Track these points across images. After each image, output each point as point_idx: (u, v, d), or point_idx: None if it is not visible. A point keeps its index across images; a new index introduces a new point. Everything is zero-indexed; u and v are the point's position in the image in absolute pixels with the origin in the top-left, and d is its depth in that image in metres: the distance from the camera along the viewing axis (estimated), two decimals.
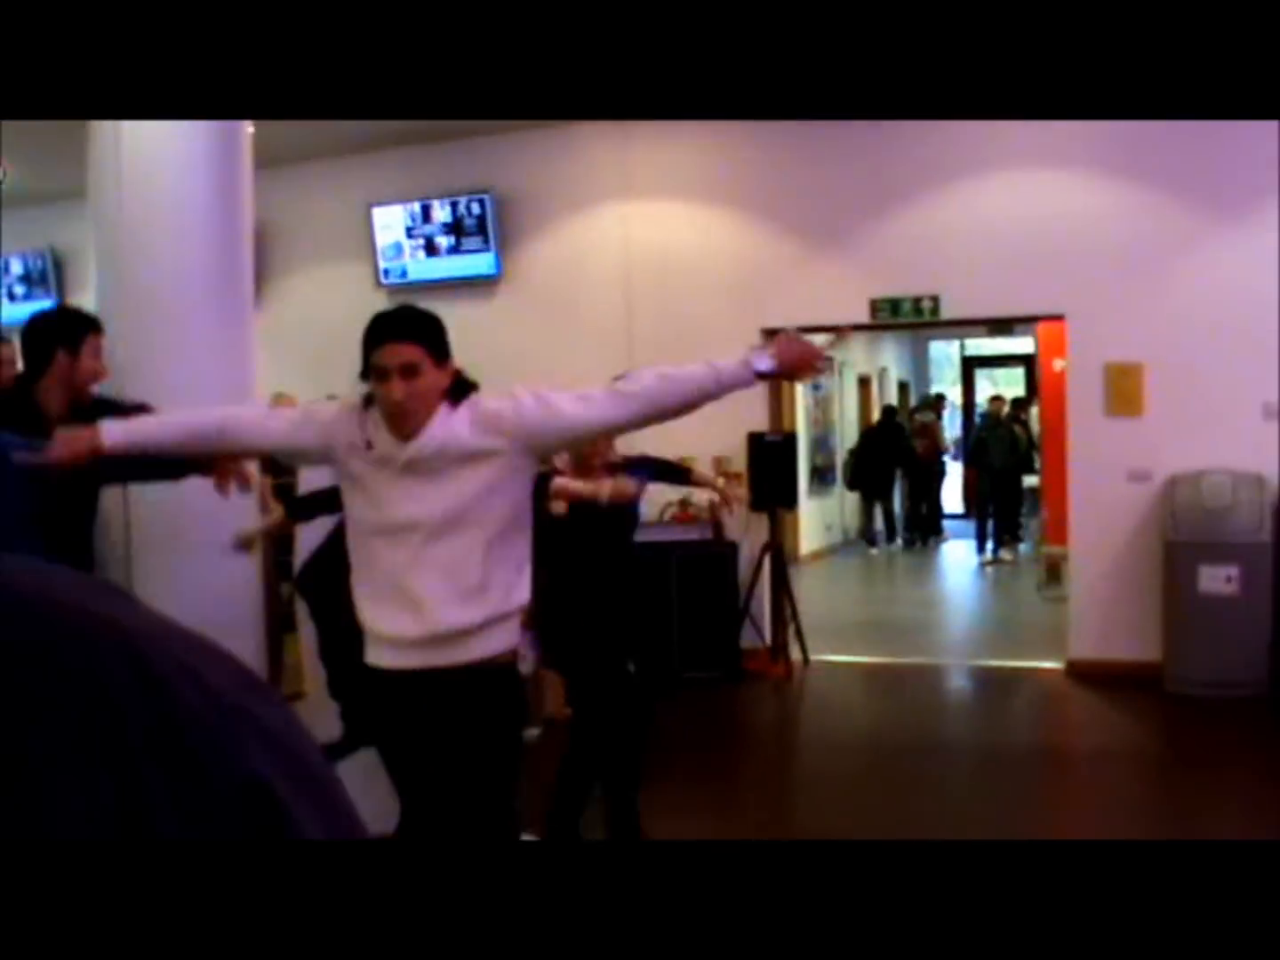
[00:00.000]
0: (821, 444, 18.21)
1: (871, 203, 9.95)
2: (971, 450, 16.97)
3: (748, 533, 10.27)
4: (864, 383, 20.55)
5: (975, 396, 22.60)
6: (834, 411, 18.82)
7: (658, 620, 9.28)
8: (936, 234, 9.74)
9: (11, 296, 14.12)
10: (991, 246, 9.53)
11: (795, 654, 10.31)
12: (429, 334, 3.78)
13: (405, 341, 3.72)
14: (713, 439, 10.21)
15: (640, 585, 6.18)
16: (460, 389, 3.82)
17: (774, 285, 10.27)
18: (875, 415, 20.19)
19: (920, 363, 24.10)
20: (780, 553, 10.28)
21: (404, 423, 3.71)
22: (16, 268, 13.99)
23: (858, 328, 10.18)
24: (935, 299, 9.76)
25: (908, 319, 10.07)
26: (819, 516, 18.08)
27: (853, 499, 19.62)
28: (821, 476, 18.19)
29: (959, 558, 17.69)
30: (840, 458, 19.06)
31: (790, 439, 10.35)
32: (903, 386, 22.76)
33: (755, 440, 10.08)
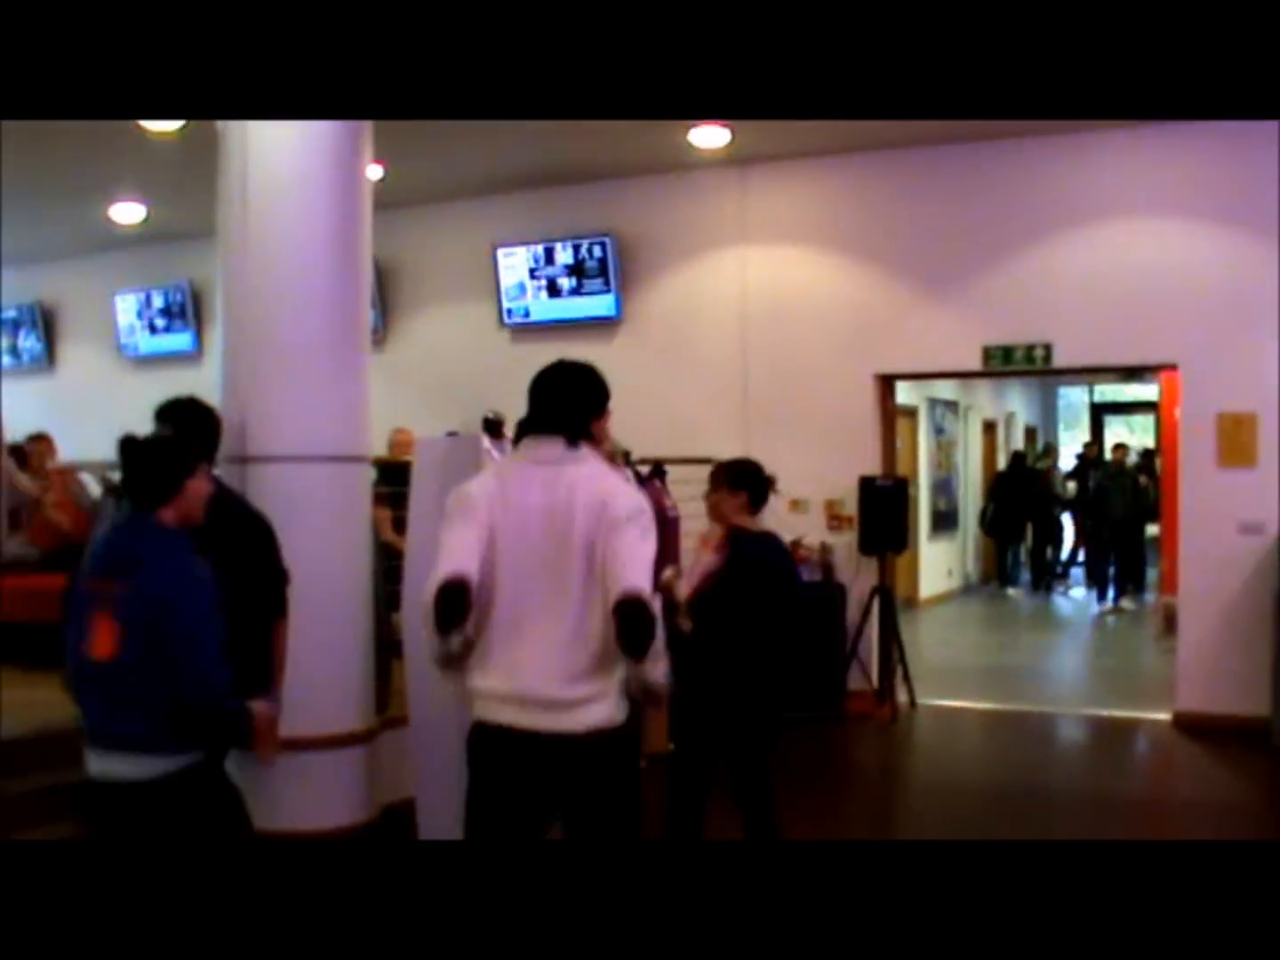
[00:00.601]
0: (943, 488, 18.17)
1: (986, 250, 10.03)
2: (1092, 499, 16.84)
3: (858, 575, 10.35)
4: (989, 427, 20.47)
5: (1104, 443, 22.38)
6: (957, 455, 18.78)
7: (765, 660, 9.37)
8: (1050, 281, 9.79)
9: (153, 329, 14.64)
10: (1104, 294, 9.55)
11: (903, 697, 10.36)
12: None
13: None
14: (826, 482, 10.36)
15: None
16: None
17: (887, 331, 10.38)
18: (1000, 460, 20.13)
19: (1048, 408, 23.92)
20: (889, 595, 10.34)
21: None
22: (158, 301, 14.51)
23: (972, 374, 10.25)
24: (1048, 347, 9.79)
25: (1020, 367, 10.12)
26: (940, 561, 18.04)
27: (975, 544, 19.58)
28: (943, 521, 18.15)
29: (1079, 605, 17.55)
30: (962, 503, 19.00)
31: (902, 484, 10.41)
32: (1030, 432, 22.61)
33: (867, 484, 10.17)
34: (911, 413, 16.47)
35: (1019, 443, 21.54)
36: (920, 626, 15.64)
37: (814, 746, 9.14)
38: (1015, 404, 21.75)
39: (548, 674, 3.89)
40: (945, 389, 17.54)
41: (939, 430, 17.77)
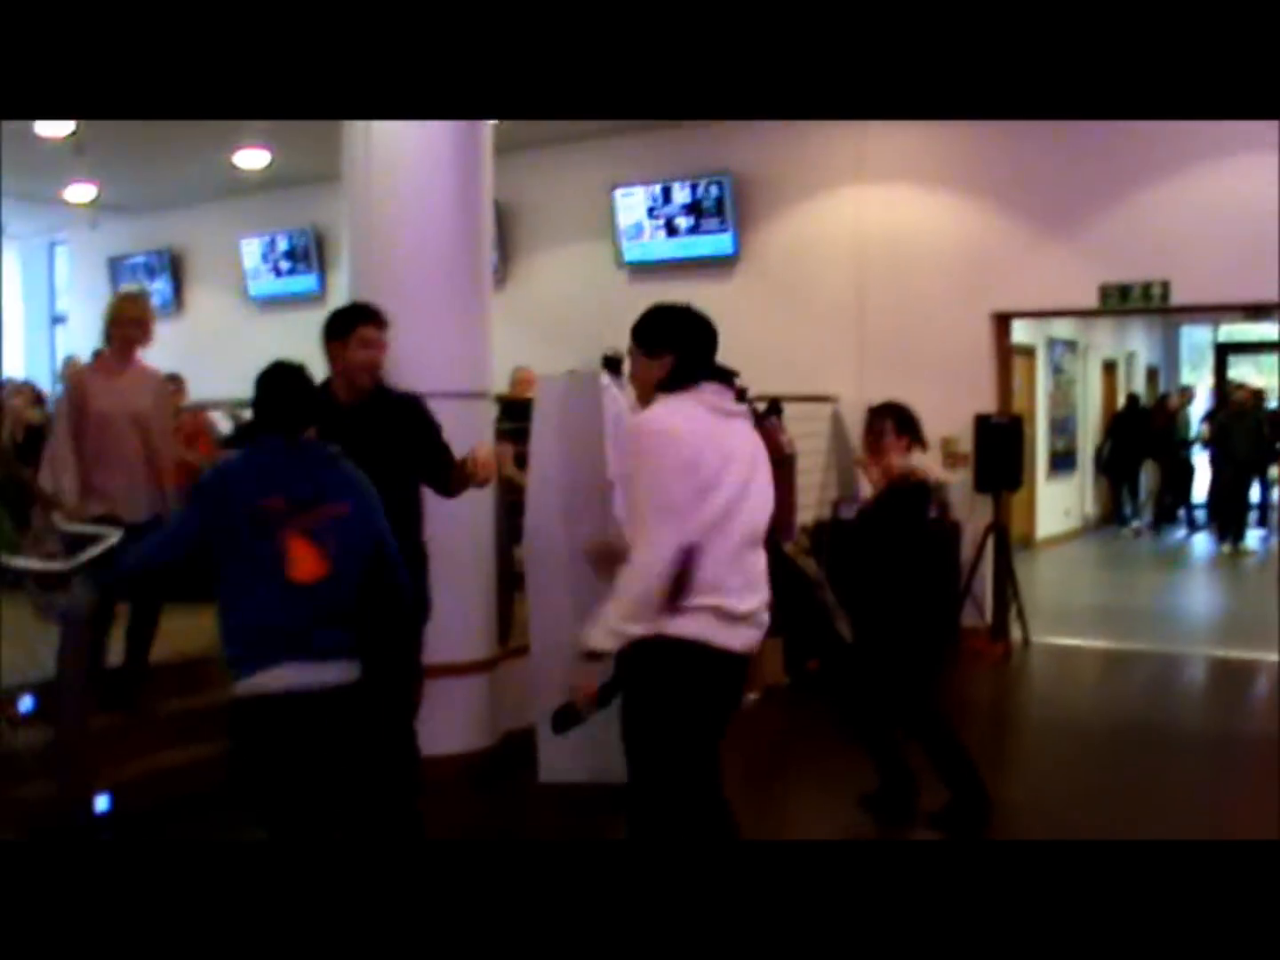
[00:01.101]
0: (1061, 428, 18.03)
1: (1103, 188, 9.95)
2: (1214, 439, 16.62)
3: (972, 513, 10.38)
4: (1109, 367, 20.23)
5: (1227, 383, 22.02)
6: (1076, 395, 18.60)
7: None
8: (1168, 218, 9.70)
9: (278, 271, 14.95)
10: (1225, 231, 9.43)
11: (1016, 635, 10.40)
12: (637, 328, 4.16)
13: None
14: (941, 420, 10.33)
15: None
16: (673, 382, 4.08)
17: (1004, 269, 10.35)
18: (1120, 400, 19.92)
19: (1171, 348, 23.53)
20: (1003, 533, 10.35)
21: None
22: (282, 244, 14.81)
23: (1088, 313, 10.20)
24: (1165, 284, 9.71)
25: (1137, 305, 10.04)
26: (1057, 501, 17.93)
27: (1094, 484, 19.44)
28: (1061, 461, 18.02)
29: (1201, 546, 17.38)
30: (1081, 443, 18.84)
31: (1017, 422, 10.40)
32: (1151, 372, 22.28)
33: (982, 422, 10.19)
34: (1030, 352, 16.35)
35: (1140, 383, 21.25)
36: (1037, 566, 15.59)
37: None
38: (1137, 343, 21.45)
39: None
40: (1064, 328, 17.36)
41: (1057, 369, 17.62)
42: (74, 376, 6.59)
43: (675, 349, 4.07)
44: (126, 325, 6.38)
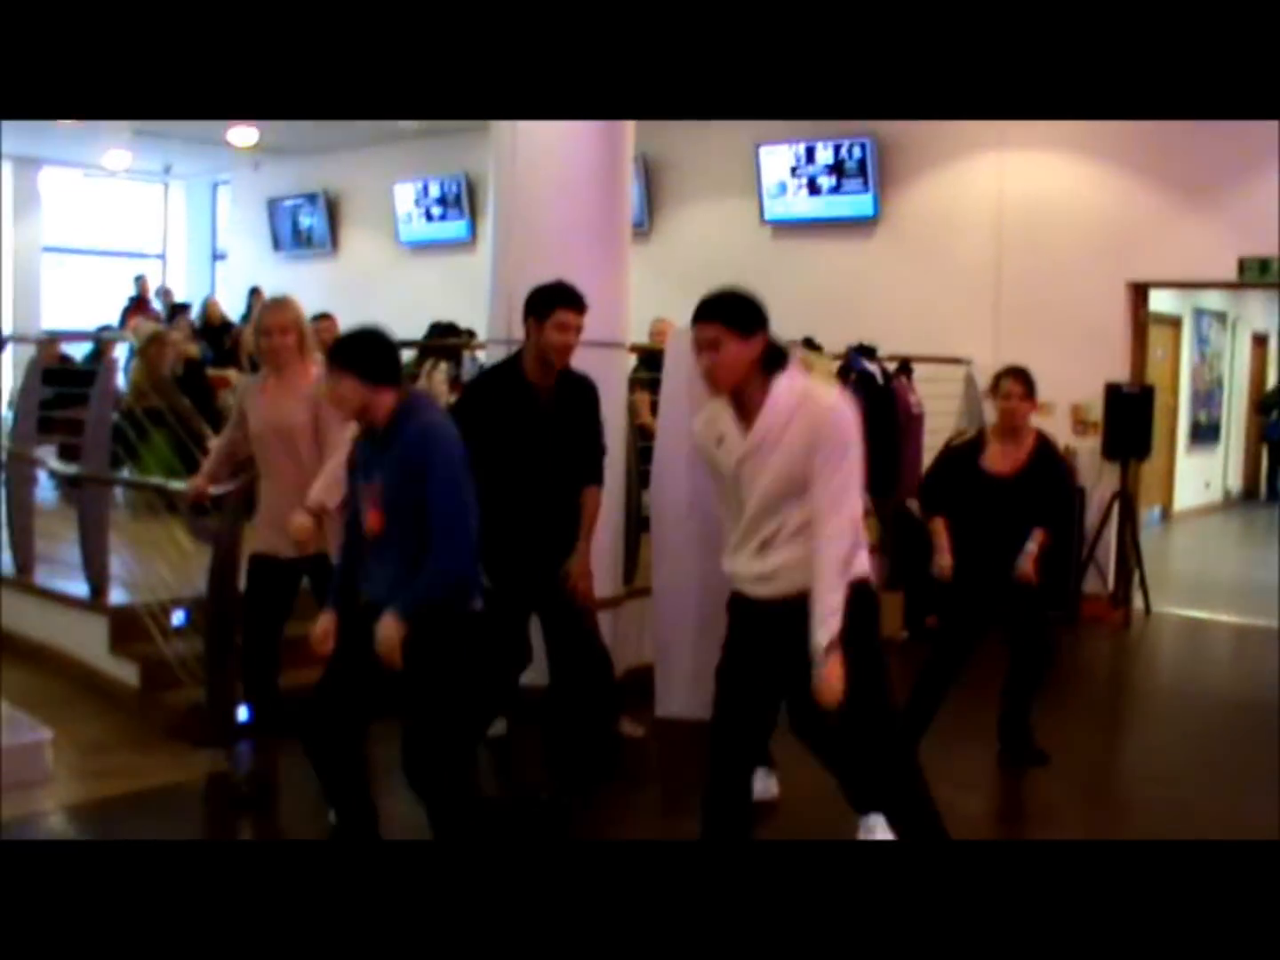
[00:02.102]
0: (1205, 400, 17.85)
1: (1244, 160, 9.89)
2: None
3: (1100, 480, 10.44)
4: (1260, 340, 19.93)
5: None
6: (1222, 368, 18.38)
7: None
8: None
9: (429, 217, 15.33)
10: None
11: (1139, 604, 10.46)
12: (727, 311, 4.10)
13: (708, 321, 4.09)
14: (1073, 387, 10.44)
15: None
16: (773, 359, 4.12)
17: (1142, 239, 10.36)
18: (1272, 374, 19.65)
19: None
20: (1129, 501, 10.40)
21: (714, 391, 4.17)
22: (434, 191, 15.18)
23: (1227, 285, 10.14)
24: None
25: (1276, 279, 9.98)
26: (1198, 473, 17.79)
27: (1236, 458, 19.23)
28: (1203, 433, 17.85)
29: None
30: (1225, 417, 18.61)
31: (1148, 392, 10.42)
32: None
33: (1113, 391, 10.24)
34: (1175, 322, 16.21)
35: None
36: (1172, 538, 15.55)
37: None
38: None
39: None
40: (1213, 299, 17.14)
41: (1203, 341, 17.43)
42: (240, 392, 5.91)
43: (767, 328, 4.09)
44: (273, 334, 5.56)
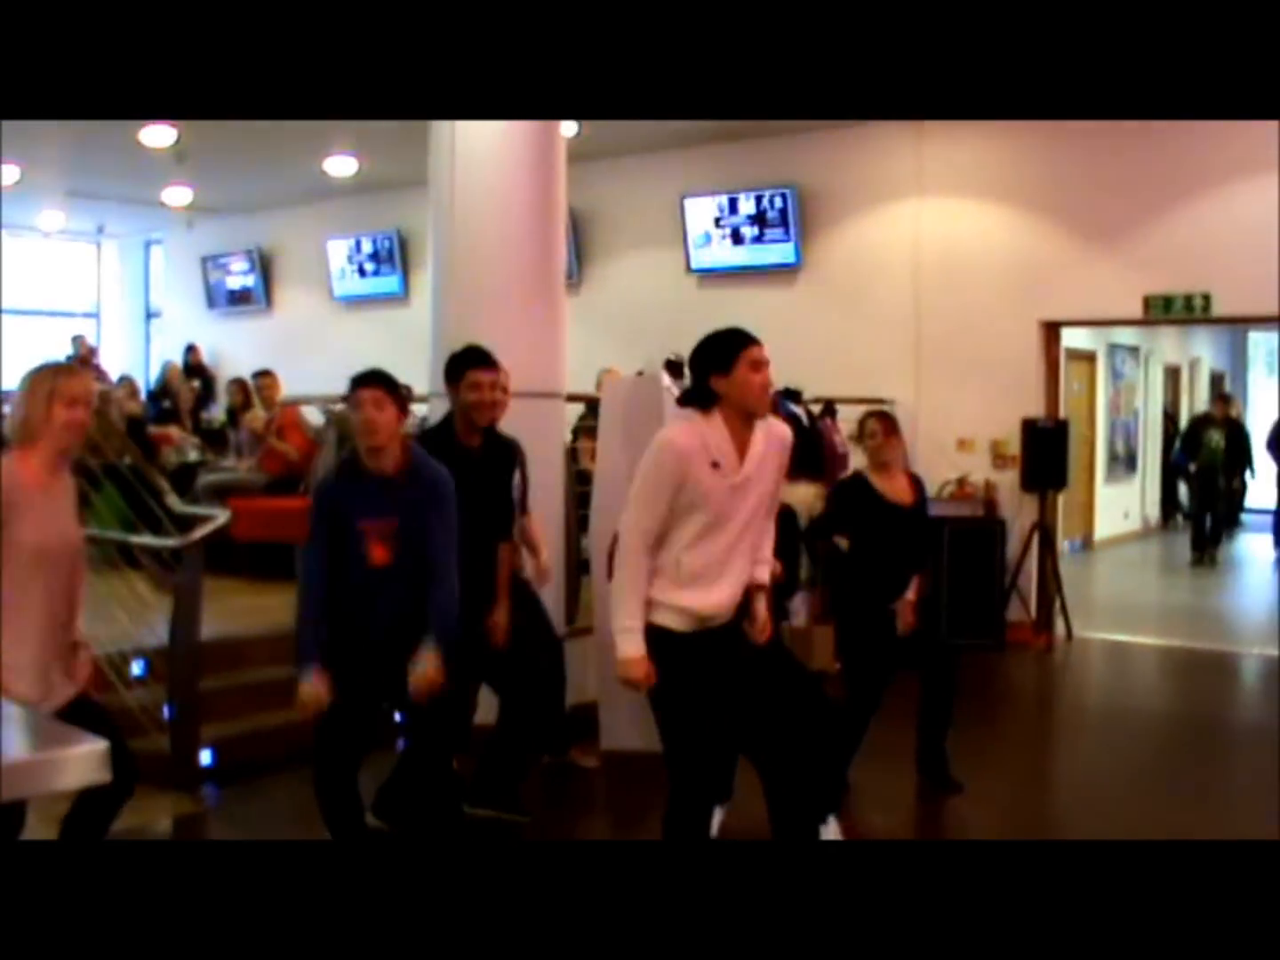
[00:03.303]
0: (1122, 432, 18.37)
1: (1148, 201, 10.40)
2: (1270, 444, 16.86)
3: (1020, 512, 10.87)
4: (1173, 373, 20.50)
5: None
6: (1137, 400, 18.90)
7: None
8: (1210, 232, 10.11)
9: (362, 272, 15.62)
10: (1264, 245, 9.76)
11: (1061, 630, 10.88)
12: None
13: None
14: (991, 423, 10.90)
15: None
16: None
17: (1053, 280, 10.82)
18: (1185, 404, 20.24)
19: (1238, 354, 23.61)
20: (1048, 532, 10.83)
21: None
22: (367, 247, 15.48)
23: (1133, 323, 10.60)
24: (1207, 296, 10.11)
25: (1179, 316, 10.48)
26: (1117, 503, 18.28)
27: (1154, 487, 19.77)
28: (1121, 464, 18.36)
29: (1261, 551, 17.63)
30: (1141, 447, 19.12)
31: (1062, 425, 10.88)
32: (1217, 378, 22.43)
33: (1029, 426, 10.68)
34: (1090, 357, 16.72)
35: (1204, 389, 21.52)
36: (1094, 566, 16.01)
37: (974, 671, 9.69)
38: (1202, 349, 21.71)
39: None
40: (1126, 334, 17.65)
41: (1117, 375, 17.95)
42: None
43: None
44: (77, 405, 4.23)
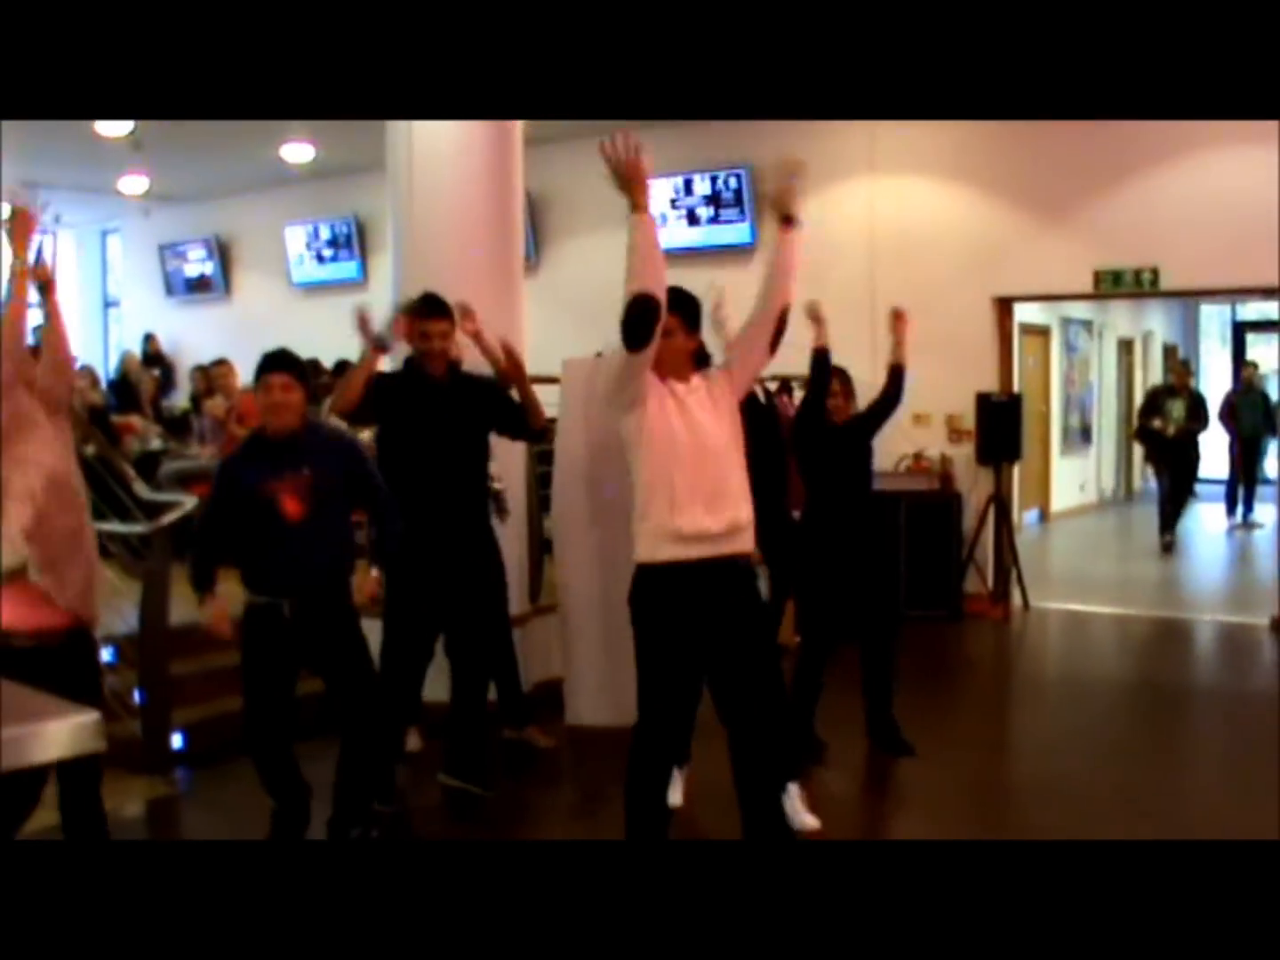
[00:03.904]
0: (1078, 405, 18.57)
1: (1097, 177, 10.58)
2: (1221, 415, 17.07)
3: (975, 485, 11.03)
4: (1127, 345, 20.70)
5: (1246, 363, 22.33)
6: (1091, 374, 19.11)
7: (887, 561, 10.13)
8: (1157, 207, 10.30)
9: (320, 258, 15.65)
10: (1213, 219, 9.98)
11: (1017, 600, 11.06)
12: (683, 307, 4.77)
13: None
14: (947, 398, 11.05)
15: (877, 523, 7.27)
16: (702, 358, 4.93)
17: (1005, 256, 10.99)
18: (1139, 377, 20.45)
19: (1190, 327, 23.85)
20: (1003, 504, 11.00)
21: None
22: (325, 233, 15.51)
23: (1082, 297, 10.77)
24: (1155, 270, 10.31)
25: (1128, 290, 10.66)
26: (1073, 476, 18.49)
27: (1109, 460, 19.99)
28: (1076, 437, 18.56)
29: (1213, 521, 17.85)
30: (1096, 420, 19.32)
31: (1015, 399, 11.05)
32: (1170, 350, 22.65)
33: (983, 400, 10.84)
34: (1044, 331, 16.90)
35: (1157, 362, 21.74)
36: (1050, 538, 16.24)
37: (931, 641, 9.88)
38: (1154, 323, 21.92)
39: None
40: (1080, 309, 17.84)
41: (1071, 348, 18.15)
42: None
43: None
44: None
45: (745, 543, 4.73)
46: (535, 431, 6.53)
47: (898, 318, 7.22)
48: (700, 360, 4.94)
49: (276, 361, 5.24)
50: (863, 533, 6.93)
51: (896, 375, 7.15)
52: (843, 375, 7.12)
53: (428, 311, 6.24)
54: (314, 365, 11.17)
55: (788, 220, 4.97)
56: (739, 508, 4.69)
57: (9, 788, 4.21)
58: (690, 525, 4.57)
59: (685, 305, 4.79)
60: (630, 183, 4.43)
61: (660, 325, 4.47)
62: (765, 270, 4.96)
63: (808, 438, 6.90)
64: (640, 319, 4.44)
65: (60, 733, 2.30)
